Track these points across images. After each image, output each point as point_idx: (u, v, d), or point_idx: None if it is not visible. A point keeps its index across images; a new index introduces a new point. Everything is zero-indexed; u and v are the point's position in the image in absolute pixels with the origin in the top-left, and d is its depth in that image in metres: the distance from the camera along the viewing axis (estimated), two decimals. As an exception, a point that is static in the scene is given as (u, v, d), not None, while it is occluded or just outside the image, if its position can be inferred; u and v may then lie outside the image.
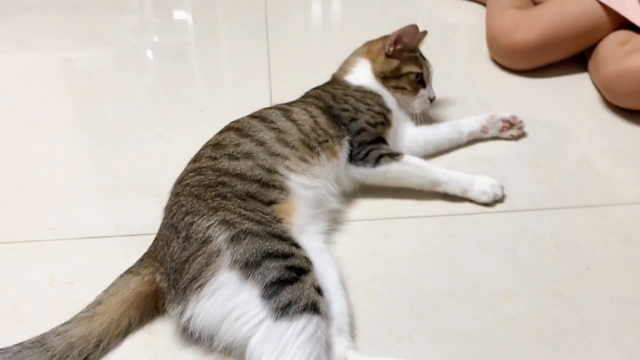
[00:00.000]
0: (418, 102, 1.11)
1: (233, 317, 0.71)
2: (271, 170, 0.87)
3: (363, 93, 1.06)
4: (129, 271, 0.79)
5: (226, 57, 1.56)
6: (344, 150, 0.98)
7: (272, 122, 0.95)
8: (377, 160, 0.97)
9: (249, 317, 0.70)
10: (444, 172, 1.00)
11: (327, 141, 0.96)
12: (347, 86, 1.08)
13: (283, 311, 0.69)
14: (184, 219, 0.78)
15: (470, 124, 1.14)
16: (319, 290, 0.73)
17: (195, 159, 0.90)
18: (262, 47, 1.55)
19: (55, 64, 1.48)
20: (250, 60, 1.50)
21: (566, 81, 1.36)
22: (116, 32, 1.66)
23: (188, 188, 0.83)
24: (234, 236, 0.74)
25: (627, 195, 1.02)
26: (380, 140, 1.01)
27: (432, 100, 1.13)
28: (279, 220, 0.81)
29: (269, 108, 1.01)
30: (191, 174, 0.86)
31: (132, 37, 1.65)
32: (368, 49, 1.13)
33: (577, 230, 0.94)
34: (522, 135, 1.16)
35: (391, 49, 1.09)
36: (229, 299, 0.71)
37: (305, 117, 0.98)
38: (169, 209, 0.83)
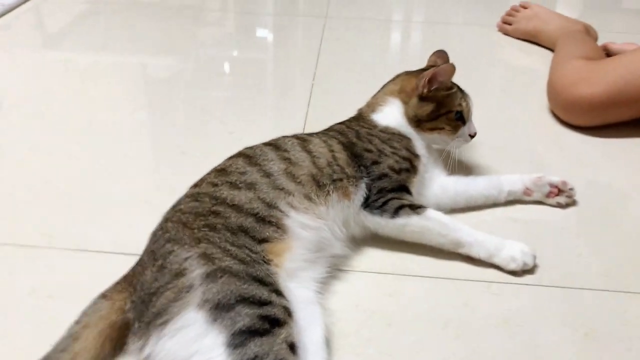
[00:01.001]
0: (457, 141, 1.02)
1: None
2: (271, 205, 0.80)
3: (390, 135, 0.98)
4: (102, 295, 0.74)
5: (272, 79, 1.52)
6: (359, 193, 0.90)
7: (285, 151, 0.89)
8: (396, 211, 0.88)
9: None
10: (469, 232, 0.89)
11: (341, 180, 0.88)
12: (373, 125, 1.00)
13: None
14: (164, 246, 0.73)
15: (512, 182, 1.02)
16: (292, 348, 0.65)
17: (197, 183, 0.85)
18: (309, 73, 1.50)
19: (131, 69, 1.48)
20: (293, 85, 1.45)
21: (631, 144, 1.22)
22: (189, 43, 1.65)
23: (178, 214, 0.78)
24: (210, 272, 0.68)
25: (683, 285, 0.88)
26: (403, 188, 0.92)
27: (472, 136, 1.03)
28: (267, 262, 0.74)
29: (288, 136, 0.95)
30: (187, 199, 0.81)
31: (200, 49, 1.63)
32: (400, 88, 1.03)
33: (613, 320, 0.81)
34: (571, 204, 1.03)
35: (425, 90, 0.99)
36: (193, 341, 0.64)
37: (324, 150, 0.91)
38: (154, 234, 0.78)
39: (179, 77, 1.45)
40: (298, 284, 0.77)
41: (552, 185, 1.01)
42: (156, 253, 0.73)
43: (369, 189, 0.91)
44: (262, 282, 0.70)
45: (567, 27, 1.55)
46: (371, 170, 0.92)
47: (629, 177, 1.12)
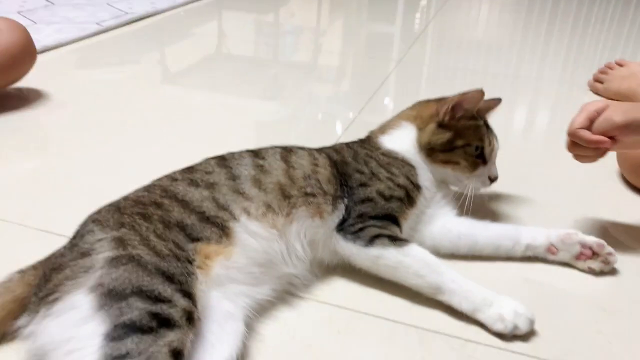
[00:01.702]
0: (474, 181, 0.88)
1: (65, 350, 0.57)
2: (223, 207, 0.73)
3: (392, 159, 0.87)
4: (19, 270, 0.69)
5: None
6: (335, 214, 0.79)
7: (263, 158, 0.82)
8: (372, 240, 0.76)
9: (79, 356, 0.56)
10: (454, 278, 0.74)
11: (314, 195, 0.78)
12: (376, 148, 0.89)
13: None
14: (86, 226, 0.68)
15: (533, 235, 0.85)
16: (176, 354, 0.56)
17: (161, 177, 0.80)
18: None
19: (234, 108, 1.49)
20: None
21: None
22: (299, 93, 1.66)
23: (122, 200, 0.73)
24: (116, 257, 0.62)
25: None
26: (389, 217, 0.80)
27: (492, 180, 0.89)
28: (190, 261, 0.66)
29: (278, 146, 0.87)
30: (141, 189, 0.76)
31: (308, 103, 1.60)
32: (417, 114, 0.92)
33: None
34: (607, 272, 0.83)
35: (447, 117, 0.87)
36: (74, 326, 0.58)
37: (305, 162, 0.82)
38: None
39: (279, 123, 1.43)
40: (223, 295, 0.68)
41: (584, 245, 0.83)
42: (77, 231, 0.69)
43: (348, 211, 0.80)
44: (170, 278, 0.62)
45: (666, 89, 1.34)
46: (355, 193, 0.81)
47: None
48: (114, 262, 0.61)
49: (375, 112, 1.47)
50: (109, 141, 1.22)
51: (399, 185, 0.83)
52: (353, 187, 0.82)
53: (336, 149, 0.90)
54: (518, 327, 0.70)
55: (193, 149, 1.20)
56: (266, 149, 0.85)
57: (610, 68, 1.54)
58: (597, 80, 1.57)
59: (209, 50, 1.98)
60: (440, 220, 0.86)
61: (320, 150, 0.89)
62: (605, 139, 0.80)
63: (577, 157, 0.87)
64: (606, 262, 0.82)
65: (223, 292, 0.68)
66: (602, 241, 0.83)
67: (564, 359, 0.68)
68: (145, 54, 1.86)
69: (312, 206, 0.78)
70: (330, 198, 0.79)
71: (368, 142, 0.92)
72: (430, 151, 0.88)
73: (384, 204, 0.80)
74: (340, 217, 0.80)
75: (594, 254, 0.83)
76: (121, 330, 0.56)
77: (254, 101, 1.54)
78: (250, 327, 0.69)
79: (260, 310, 0.72)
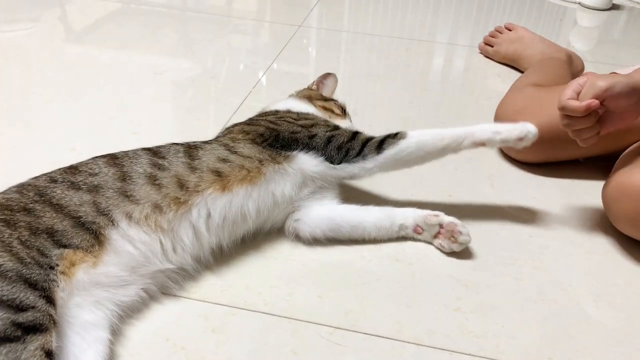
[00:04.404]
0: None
1: None
2: (102, 212, 0.72)
3: (295, 113, 0.98)
4: None
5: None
6: (271, 173, 0.84)
7: (163, 157, 0.81)
8: (380, 147, 0.87)
9: None
10: (457, 128, 0.88)
11: (243, 167, 0.82)
12: (275, 112, 0.99)
13: None
14: None
15: (405, 215, 0.89)
16: (49, 355, 0.58)
17: (40, 176, 0.77)
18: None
19: (147, 68, 1.44)
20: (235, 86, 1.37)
21: (584, 187, 1.06)
22: (210, 48, 1.61)
23: None
24: None
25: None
26: (356, 133, 0.90)
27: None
28: (53, 267, 0.65)
29: (180, 144, 0.86)
30: (13, 189, 0.73)
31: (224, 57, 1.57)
32: (294, 94, 1.11)
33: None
34: (461, 250, 0.87)
35: (316, 86, 1.13)
36: None
37: (217, 148, 0.84)
38: None
39: (190, 81, 1.39)
40: (86, 302, 0.67)
41: (441, 225, 0.87)
42: None
43: (326, 156, 0.88)
44: (33, 285, 0.62)
45: (548, 53, 1.40)
46: (313, 144, 0.88)
47: (560, 225, 0.97)
48: None
49: (293, 59, 1.51)
50: (2, 112, 1.15)
51: (324, 121, 0.96)
52: (305, 144, 0.88)
53: (244, 131, 0.91)
54: (528, 136, 0.88)
55: (104, 120, 1.17)
56: (167, 147, 0.84)
57: (500, 32, 1.58)
58: (487, 43, 1.61)
59: (115, 3, 1.88)
60: (318, 209, 0.88)
61: (228, 137, 0.90)
62: (595, 100, 0.82)
63: (575, 133, 0.89)
64: (454, 240, 0.86)
65: (86, 298, 0.68)
66: (455, 221, 0.86)
67: (424, 339, 0.73)
68: (44, 10, 1.74)
69: (234, 178, 0.80)
70: (266, 160, 0.84)
71: (259, 115, 1.00)
72: (310, 99, 1.06)
73: (339, 131, 0.91)
74: (317, 161, 0.87)
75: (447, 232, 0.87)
76: None
77: (168, 59, 1.49)
78: (120, 331, 0.70)
79: (131, 313, 0.73)
